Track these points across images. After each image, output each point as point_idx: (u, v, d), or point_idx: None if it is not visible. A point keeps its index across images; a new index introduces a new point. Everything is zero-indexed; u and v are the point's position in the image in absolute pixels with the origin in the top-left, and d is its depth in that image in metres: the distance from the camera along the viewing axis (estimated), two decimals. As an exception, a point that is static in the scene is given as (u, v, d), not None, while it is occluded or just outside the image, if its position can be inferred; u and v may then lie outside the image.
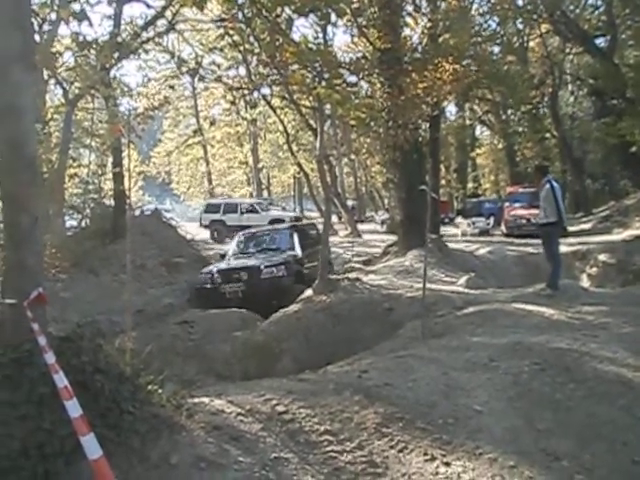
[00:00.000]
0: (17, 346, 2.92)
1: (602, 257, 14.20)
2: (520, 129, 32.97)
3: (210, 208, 27.39)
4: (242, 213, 26.02)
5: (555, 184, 8.64)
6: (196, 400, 3.63)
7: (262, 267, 11.85)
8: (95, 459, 2.41)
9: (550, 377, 4.52)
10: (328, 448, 3.47)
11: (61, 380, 2.65)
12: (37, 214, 3.16)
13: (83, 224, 14.90)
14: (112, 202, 15.36)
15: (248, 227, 22.95)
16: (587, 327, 6.26)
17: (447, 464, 3.44)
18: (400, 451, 3.53)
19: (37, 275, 3.14)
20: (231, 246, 14.42)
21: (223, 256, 13.82)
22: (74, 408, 2.56)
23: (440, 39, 13.97)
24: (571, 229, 22.42)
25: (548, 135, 32.01)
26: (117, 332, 3.95)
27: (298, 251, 12.81)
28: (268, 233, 14.43)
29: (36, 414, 2.76)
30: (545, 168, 9.62)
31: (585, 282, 13.07)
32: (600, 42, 24.55)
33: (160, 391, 3.35)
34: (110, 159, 16.10)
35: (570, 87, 34.06)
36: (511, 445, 3.69)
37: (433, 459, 3.47)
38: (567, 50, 29.54)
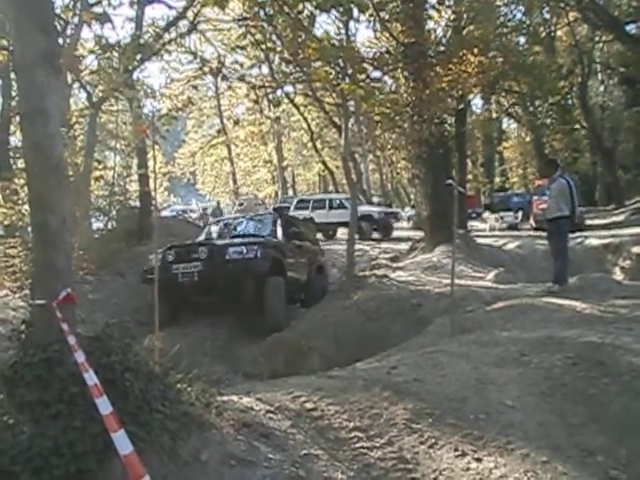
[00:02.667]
0: (47, 346, 2.94)
1: (636, 249, 13.92)
2: (548, 121, 32.41)
3: (300, 205, 25.52)
4: (330, 209, 23.92)
5: (569, 178, 8.56)
6: (225, 398, 3.64)
7: (228, 245, 9.50)
8: (126, 454, 2.44)
9: (583, 371, 4.44)
10: (358, 444, 3.45)
11: (91, 378, 2.67)
12: (65, 216, 3.18)
13: (109, 226, 15.02)
14: (137, 204, 15.54)
15: (337, 224, 22.11)
16: (620, 320, 6.12)
17: (478, 460, 3.40)
18: (430, 447, 3.50)
19: (66, 276, 3.15)
20: (202, 234, 12.30)
21: None
22: (104, 405, 2.58)
23: (465, 31, 13.81)
24: (603, 222, 22.19)
25: (577, 126, 31.50)
26: (145, 332, 3.98)
27: (281, 238, 10.78)
28: (248, 220, 12.27)
29: (67, 413, 2.79)
30: (556, 162, 9.46)
31: (618, 275, 12.83)
32: (631, 28, 24.10)
33: (189, 389, 3.37)
34: (135, 161, 16.26)
35: (600, 76, 33.46)
36: (544, 440, 3.63)
37: (464, 455, 3.43)
38: (596, 38, 29.01)
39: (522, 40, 20.05)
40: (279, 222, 11.11)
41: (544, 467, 3.35)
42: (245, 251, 9.15)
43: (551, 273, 8.86)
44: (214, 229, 12.06)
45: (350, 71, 9.83)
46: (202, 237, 11.53)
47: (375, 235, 21.98)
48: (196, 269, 9.06)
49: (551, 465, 3.37)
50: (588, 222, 21.81)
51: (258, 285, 9.20)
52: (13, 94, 14.94)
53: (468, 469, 3.33)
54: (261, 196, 38.09)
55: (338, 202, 24.00)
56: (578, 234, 17.02)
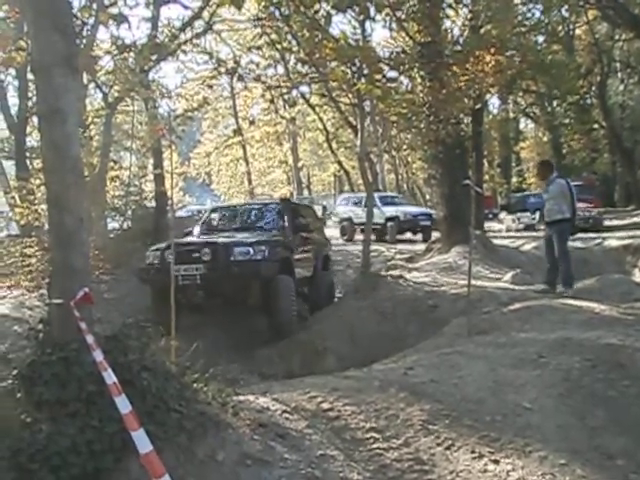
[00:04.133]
0: (65, 345, 2.97)
1: (656, 251, 13.74)
2: (567, 121, 32.15)
3: (342, 202, 25.23)
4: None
5: (567, 179, 8.49)
6: (241, 398, 3.64)
7: (233, 245, 8.70)
8: (146, 453, 2.44)
9: (602, 373, 4.39)
10: (374, 445, 3.44)
11: (110, 377, 2.68)
12: (82, 215, 3.20)
13: (125, 226, 15.07)
14: (153, 204, 15.60)
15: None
16: (641, 322, 6.05)
17: (495, 462, 3.37)
18: (447, 448, 3.47)
19: (84, 275, 3.17)
20: (199, 223, 11.47)
21: (188, 235, 10.72)
22: (124, 404, 2.59)
23: (482, 30, 13.70)
24: (622, 222, 21.93)
25: (596, 126, 31.15)
26: (162, 332, 3.99)
27: (289, 233, 9.97)
28: (250, 209, 11.38)
29: (84, 412, 2.81)
30: (551, 164, 9.35)
31: (638, 277, 12.65)
32: (652, 27, 23.67)
33: (206, 389, 3.37)
34: (150, 161, 16.32)
35: (620, 75, 33.06)
36: (562, 443, 3.59)
37: (481, 457, 3.40)
38: (616, 36, 28.64)
39: (540, 39, 19.85)
40: (285, 212, 10.46)
41: (562, 470, 3.31)
42: (252, 252, 8.47)
43: (544, 275, 8.81)
44: (214, 217, 11.25)
45: (366, 71, 9.79)
46: (201, 227, 10.80)
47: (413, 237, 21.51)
48: (198, 272, 8.39)
49: (570, 468, 3.33)
50: (607, 223, 21.58)
51: (266, 287, 8.66)
52: (29, 95, 15.09)
53: (485, 471, 3.30)
54: (276, 197, 38.16)
55: (389, 199, 23.54)
56: (596, 235, 16.88)
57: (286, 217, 10.30)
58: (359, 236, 20.30)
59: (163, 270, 8.12)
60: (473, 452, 3.45)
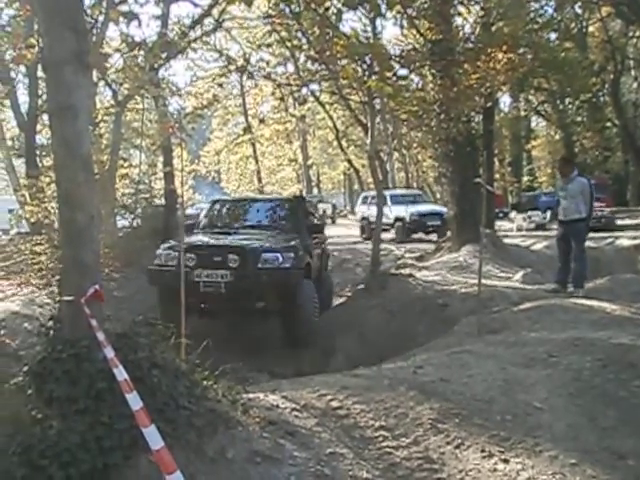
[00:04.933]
0: (75, 342, 2.98)
1: (668, 251, 13.65)
2: (579, 119, 31.92)
3: (362, 201, 24.50)
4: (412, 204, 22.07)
5: (589, 179, 8.42)
6: (251, 395, 3.66)
7: (262, 250, 7.94)
8: (157, 449, 2.46)
9: (613, 373, 4.36)
10: (383, 444, 3.43)
11: (121, 374, 2.69)
12: (92, 212, 3.19)
13: (134, 224, 15.03)
14: (163, 201, 15.52)
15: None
16: (652, 322, 6.01)
17: (505, 461, 3.35)
18: (457, 447, 3.46)
19: (94, 273, 3.17)
20: (202, 215, 10.62)
21: (192, 227, 9.70)
22: (135, 401, 2.61)
23: (494, 27, 13.63)
24: (634, 222, 21.78)
25: (609, 124, 30.92)
26: (171, 329, 3.98)
27: (305, 235, 9.24)
28: (262, 203, 10.50)
29: (94, 408, 2.82)
30: (573, 161, 9.21)
31: (649, 276, 12.55)
32: (667, 24, 23.52)
33: (215, 387, 3.39)
34: (160, 159, 16.32)
35: (633, 73, 32.77)
36: (572, 443, 3.57)
37: (491, 456, 3.39)
38: (630, 34, 28.39)
39: (553, 36, 19.73)
40: (300, 211, 9.89)
41: (573, 470, 3.29)
42: (281, 259, 7.79)
43: (555, 275, 8.73)
44: (219, 210, 10.35)
45: (377, 69, 9.76)
46: (203, 220, 10.04)
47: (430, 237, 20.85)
48: (224, 279, 7.68)
49: (580, 468, 3.31)
50: (619, 222, 21.44)
51: (288, 294, 8.02)
52: (40, 93, 15.12)
53: (495, 470, 3.28)
54: (286, 195, 38.19)
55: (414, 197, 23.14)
56: (608, 234, 16.76)
57: (301, 216, 9.80)
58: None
59: (177, 274, 6.93)
60: (483, 451, 3.43)
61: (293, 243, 8.53)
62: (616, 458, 3.44)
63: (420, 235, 21.46)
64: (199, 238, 8.86)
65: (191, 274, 7.52)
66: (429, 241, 20.07)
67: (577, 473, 3.26)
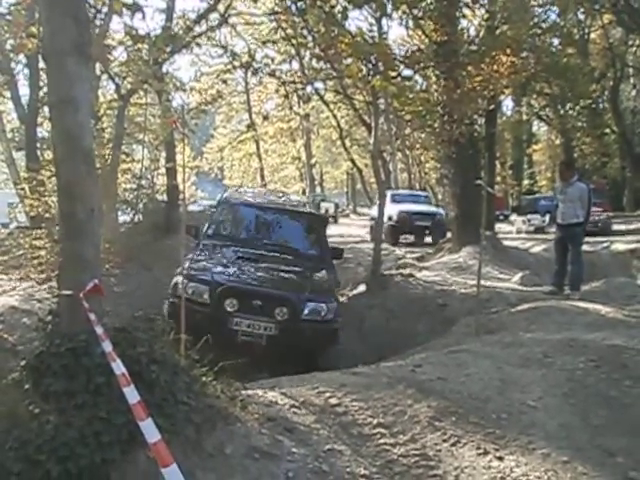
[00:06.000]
0: (73, 336, 2.95)
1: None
2: (579, 124, 31.97)
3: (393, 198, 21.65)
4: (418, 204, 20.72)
5: (588, 184, 8.46)
6: (250, 392, 3.69)
7: (306, 300, 6.88)
8: (154, 442, 2.45)
9: (605, 374, 4.44)
10: (381, 441, 3.48)
11: (118, 367, 2.67)
12: (93, 206, 3.13)
13: (136, 219, 14.91)
14: (165, 197, 15.42)
15: None
16: (645, 325, 6.08)
17: (500, 458, 3.41)
18: (453, 445, 3.51)
19: (94, 267, 3.11)
20: (208, 224, 8.56)
21: (196, 229, 8.06)
22: (132, 394, 2.58)
23: (498, 31, 13.67)
24: (630, 227, 21.82)
25: (608, 130, 30.97)
26: (171, 324, 3.99)
27: (332, 267, 8.28)
28: (285, 216, 8.68)
29: (92, 403, 2.81)
30: (574, 166, 9.25)
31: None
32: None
33: (214, 382, 3.40)
34: (163, 154, 16.22)
35: (632, 80, 32.83)
36: (565, 441, 3.63)
37: (486, 453, 3.45)
38: (630, 42, 28.47)
39: (555, 41, 19.79)
40: (323, 229, 8.85)
41: (564, 467, 3.35)
42: (325, 311, 6.86)
43: (552, 277, 8.80)
44: (232, 217, 8.77)
45: (382, 68, 9.79)
46: (212, 227, 8.39)
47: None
48: (267, 332, 6.60)
49: (571, 465, 3.37)
50: (615, 227, 21.50)
51: (332, 342, 7.13)
52: (40, 85, 14.95)
53: (489, 467, 3.34)
54: (291, 192, 38.19)
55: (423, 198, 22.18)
56: (604, 239, 16.83)
57: (326, 240, 8.66)
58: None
59: (216, 318, 6.43)
60: (478, 449, 3.49)
61: (331, 285, 7.72)
62: (606, 456, 3.51)
63: (412, 238, 20.50)
64: (230, 270, 7.24)
65: (229, 321, 6.59)
66: (414, 244, 19.14)
67: (569, 470, 3.32)
